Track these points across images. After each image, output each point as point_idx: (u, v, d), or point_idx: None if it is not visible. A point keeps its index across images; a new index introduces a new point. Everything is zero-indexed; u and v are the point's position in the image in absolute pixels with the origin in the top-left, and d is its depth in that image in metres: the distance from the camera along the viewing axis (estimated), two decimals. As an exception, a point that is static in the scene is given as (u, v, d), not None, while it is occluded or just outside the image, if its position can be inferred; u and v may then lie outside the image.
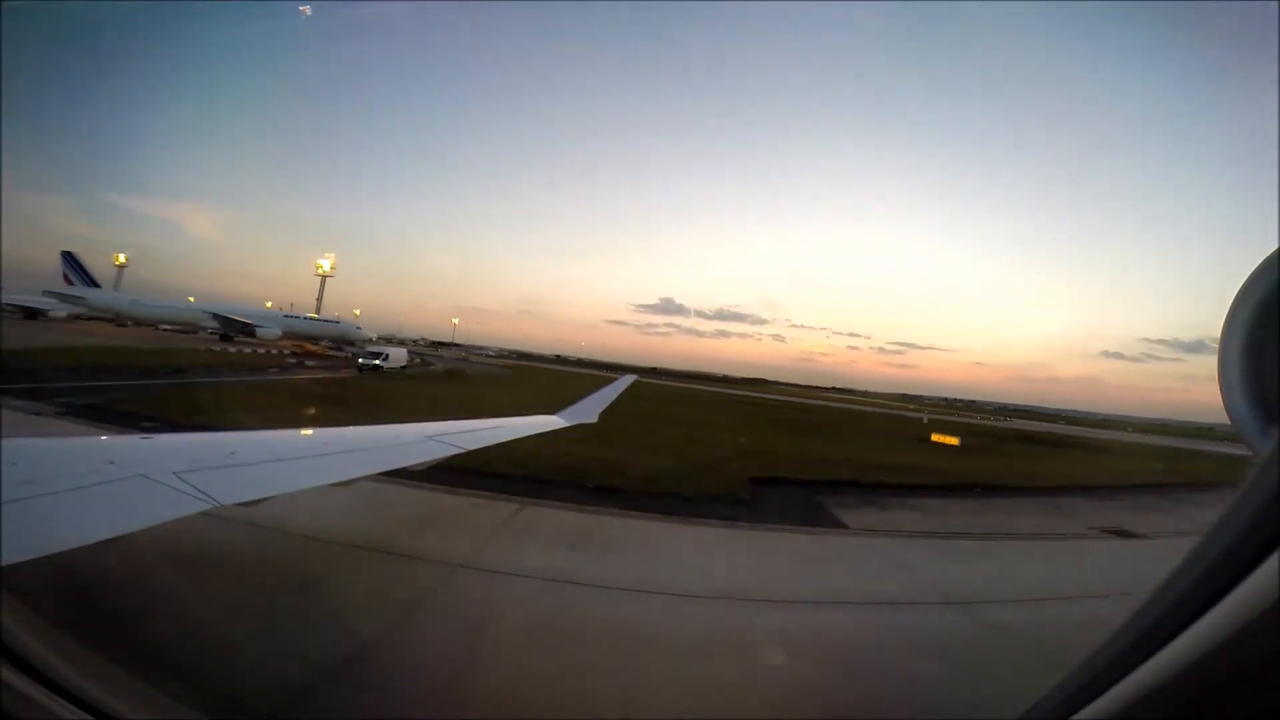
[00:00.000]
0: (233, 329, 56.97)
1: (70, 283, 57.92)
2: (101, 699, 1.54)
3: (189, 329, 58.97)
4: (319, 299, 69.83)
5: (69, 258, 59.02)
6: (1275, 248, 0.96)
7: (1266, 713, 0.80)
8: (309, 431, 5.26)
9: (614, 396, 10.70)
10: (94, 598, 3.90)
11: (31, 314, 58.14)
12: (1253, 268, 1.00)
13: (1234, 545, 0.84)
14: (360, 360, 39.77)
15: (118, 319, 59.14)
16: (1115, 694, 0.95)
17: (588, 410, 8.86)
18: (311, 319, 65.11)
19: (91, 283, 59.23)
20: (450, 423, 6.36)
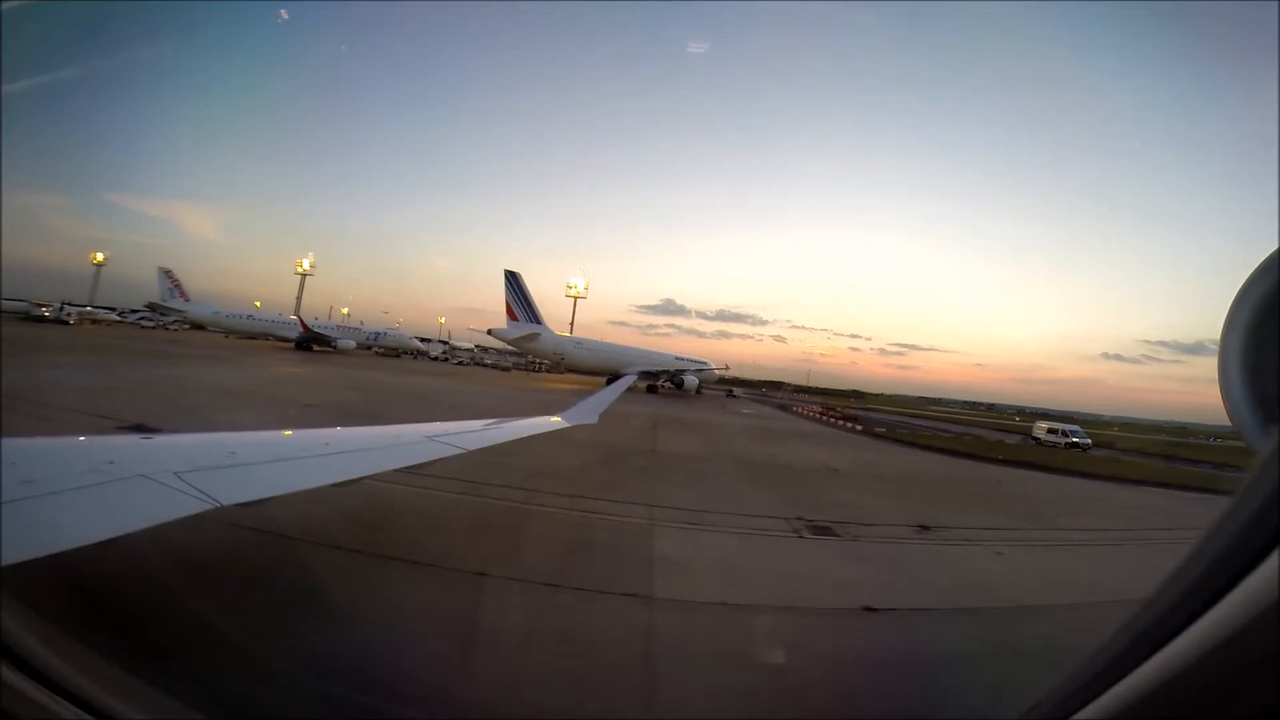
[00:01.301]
0: (675, 379, 46.21)
1: (514, 316, 44.18)
2: (101, 699, 1.54)
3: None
4: (571, 322, 55.66)
5: (513, 281, 44.07)
6: (1275, 248, 0.96)
7: (1266, 713, 0.80)
8: (309, 432, 5.26)
9: (614, 397, 10.69)
10: (94, 598, 3.89)
11: (305, 344, 48.85)
12: (1253, 268, 1.00)
13: (1234, 545, 0.84)
14: (1043, 438, 27.63)
15: (561, 363, 47.58)
16: (1115, 694, 0.94)
17: (588, 411, 8.84)
18: (681, 357, 52.22)
19: (534, 316, 44.77)
20: (450, 423, 6.36)
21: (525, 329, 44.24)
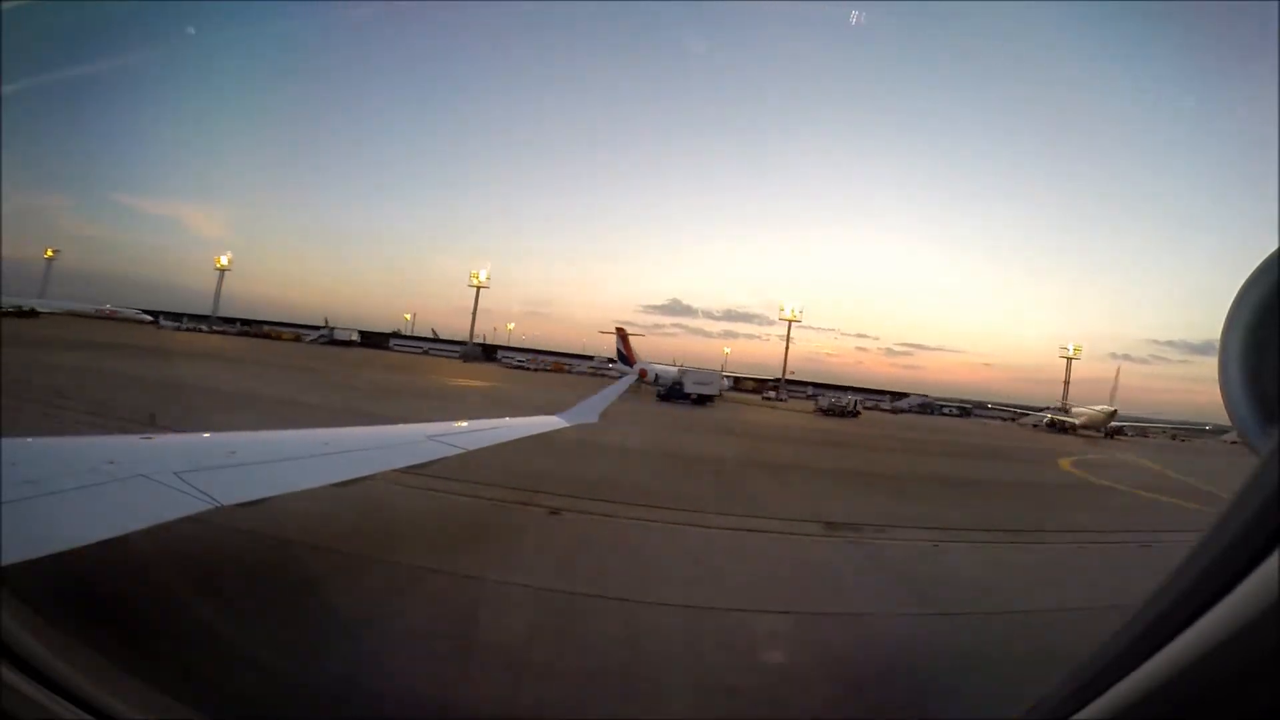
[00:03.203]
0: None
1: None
2: (101, 699, 1.53)
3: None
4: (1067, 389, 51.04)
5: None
6: (1275, 248, 0.96)
7: (1266, 713, 0.80)
8: (309, 432, 5.25)
9: (614, 397, 10.66)
10: (94, 598, 3.89)
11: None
12: (1253, 268, 1.00)
13: (1234, 545, 0.84)
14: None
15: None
16: (1115, 694, 0.94)
17: (589, 411, 8.82)
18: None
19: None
20: (450, 423, 6.35)
21: None
